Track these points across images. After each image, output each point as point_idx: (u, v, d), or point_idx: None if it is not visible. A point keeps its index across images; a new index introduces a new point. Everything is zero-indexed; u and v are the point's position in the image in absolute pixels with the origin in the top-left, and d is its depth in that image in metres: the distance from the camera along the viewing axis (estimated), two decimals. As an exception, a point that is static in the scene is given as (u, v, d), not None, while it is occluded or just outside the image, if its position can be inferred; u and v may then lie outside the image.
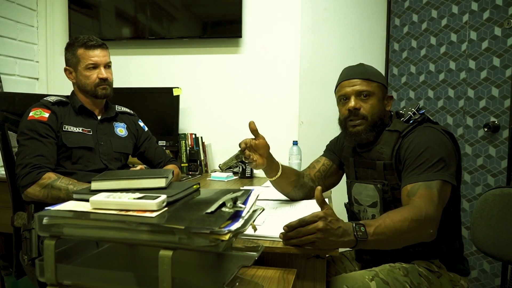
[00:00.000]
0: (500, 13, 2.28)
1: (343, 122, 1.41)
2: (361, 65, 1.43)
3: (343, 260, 1.54)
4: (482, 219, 1.58)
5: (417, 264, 1.30)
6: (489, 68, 2.32)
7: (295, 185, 1.54)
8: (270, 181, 1.51)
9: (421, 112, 1.38)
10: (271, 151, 1.43)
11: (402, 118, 1.39)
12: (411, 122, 1.36)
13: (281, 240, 1.07)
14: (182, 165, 2.49)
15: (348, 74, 1.40)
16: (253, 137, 1.40)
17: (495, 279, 2.32)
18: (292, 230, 1.03)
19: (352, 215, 1.50)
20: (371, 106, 1.36)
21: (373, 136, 1.38)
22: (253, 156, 1.37)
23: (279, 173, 1.47)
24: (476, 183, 2.38)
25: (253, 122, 1.39)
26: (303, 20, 2.56)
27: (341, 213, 1.30)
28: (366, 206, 1.41)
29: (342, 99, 1.40)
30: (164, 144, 2.48)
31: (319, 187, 1.08)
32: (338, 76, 1.46)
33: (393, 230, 1.08)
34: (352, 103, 1.35)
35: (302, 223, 1.02)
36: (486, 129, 2.31)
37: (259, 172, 2.38)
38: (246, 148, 1.37)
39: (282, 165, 1.49)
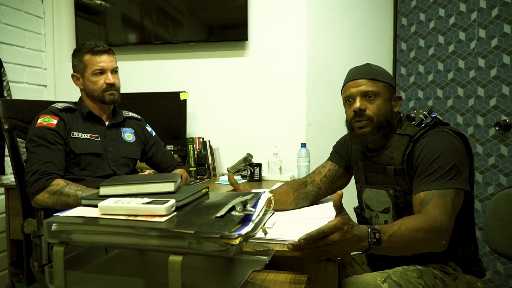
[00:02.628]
0: (509, 10, 2.24)
1: (349, 123, 1.38)
2: (367, 65, 1.40)
3: (353, 264, 1.52)
4: (495, 219, 1.55)
5: (432, 267, 1.28)
6: (499, 66, 2.29)
7: (296, 203, 1.53)
8: None
9: (433, 115, 1.34)
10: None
11: (414, 122, 1.34)
12: (422, 125, 1.32)
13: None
14: (190, 169, 2.49)
15: (354, 74, 1.38)
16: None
17: (510, 280, 2.28)
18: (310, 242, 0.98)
19: (363, 220, 1.47)
20: (377, 107, 1.32)
21: (379, 139, 1.34)
22: None
23: (272, 205, 1.42)
24: (488, 183, 2.35)
25: (231, 175, 1.45)
26: (309, 21, 2.55)
27: (351, 216, 1.28)
28: (378, 212, 1.39)
29: (347, 100, 1.38)
30: (172, 148, 2.48)
31: (339, 192, 1.03)
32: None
33: (407, 239, 1.07)
34: (357, 104, 1.32)
35: (321, 235, 0.97)
36: (497, 128, 2.28)
37: (268, 175, 2.37)
38: None
39: (273, 195, 1.44)
